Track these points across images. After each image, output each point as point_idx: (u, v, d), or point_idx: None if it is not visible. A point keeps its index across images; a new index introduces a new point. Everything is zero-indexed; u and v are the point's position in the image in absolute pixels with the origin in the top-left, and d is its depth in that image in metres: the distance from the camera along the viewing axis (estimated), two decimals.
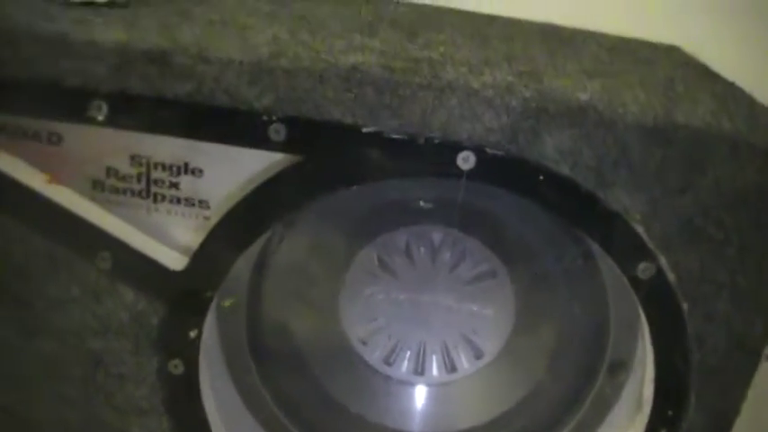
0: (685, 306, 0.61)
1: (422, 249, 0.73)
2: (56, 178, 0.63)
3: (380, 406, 0.77)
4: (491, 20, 0.84)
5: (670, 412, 0.64)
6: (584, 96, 0.58)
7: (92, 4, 0.67)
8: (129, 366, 0.66)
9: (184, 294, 0.63)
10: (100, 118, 0.59)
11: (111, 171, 0.62)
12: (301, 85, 0.57)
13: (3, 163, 0.62)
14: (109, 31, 0.60)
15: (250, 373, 0.75)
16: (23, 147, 0.62)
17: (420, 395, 0.78)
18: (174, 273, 0.63)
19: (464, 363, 0.76)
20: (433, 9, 0.87)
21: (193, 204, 0.63)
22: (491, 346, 0.75)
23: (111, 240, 0.63)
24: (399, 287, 0.74)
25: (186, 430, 0.67)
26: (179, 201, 0.63)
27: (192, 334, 0.64)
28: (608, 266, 0.69)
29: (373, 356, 0.76)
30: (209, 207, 0.63)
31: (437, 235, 0.72)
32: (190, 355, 0.65)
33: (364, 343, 0.76)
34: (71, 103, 0.59)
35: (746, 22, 0.89)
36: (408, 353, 0.76)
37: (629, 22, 0.85)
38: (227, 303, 0.71)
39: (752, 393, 0.64)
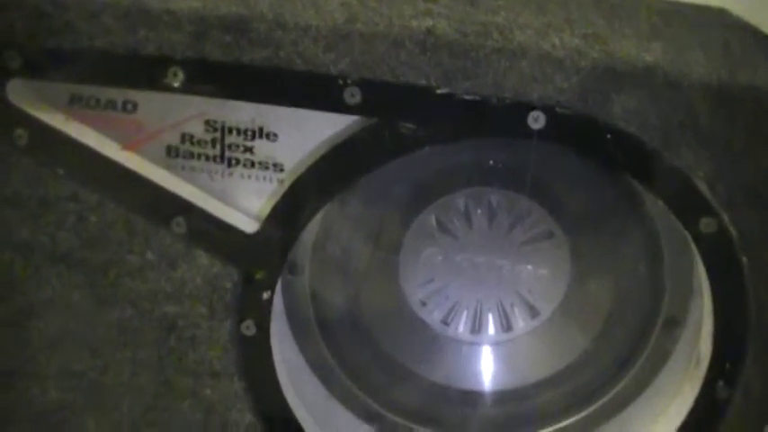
0: (746, 261, 0.63)
1: (479, 211, 0.74)
2: (130, 145, 0.64)
3: (441, 365, 0.79)
4: None
5: (728, 365, 0.66)
6: (649, 57, 0.60)
7: None
8: (202, 329, 0.67)
9: (258, 256, 0.65)
10: (176, 85, 0.61)
11: (185, 137, 0.64)
12: (377, 49, 0.59)
13: (78, 132, 0.64)
14: None
15: (314, 337, 0.76)
16: (98, 115, 0.64)
17: (480, 354, 0.79)
18: (248, 235, 0.65)
19: (520, 321, 0.78)
20: None
21: (267, 168, 0.64)
22: (547, 304, 0.77)
23: (185, 205, 0.64)
24: (457, 248, 0.75)
25: (258, 391, 0.69)
26: (253, 165, 0.64)
27: (265, 295, 0.66)
28: (664, 226, 0.71)
29: (432, 317, 0.78)
30: (283, 170, 0.64)
31: (495, 197, 0.74)
32: (262, 316, 0.66)
33: (423, 304, 0.77)
34: (147, 71, 0.61)
35: None
36: (465, 312, 0.78)
37: None
38: None
39: None
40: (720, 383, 0.66)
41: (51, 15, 0.60)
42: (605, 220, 0.73)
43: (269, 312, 0.66)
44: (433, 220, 0.75)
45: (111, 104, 0.64)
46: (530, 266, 0.76)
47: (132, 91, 0.63)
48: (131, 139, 0.64)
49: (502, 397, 0.79)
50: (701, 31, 0.72)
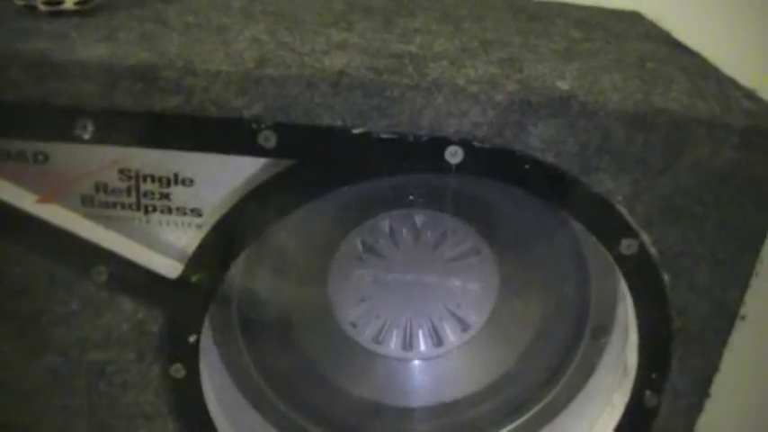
0: (667, 278, 0.64)
1: (404, 231, 0.75)
2: (45, 197, 0.63)
3: (375, 384, 0.80)
4: None
5: (654, 375, 0.67)
6: (564, 85, 0.60)
7: (61, 13, 0.66)
8: (132, 374, 0.67)
9: (182, 301, 0.64)
10: (86, 136, 0.59)
11: (99, 186, 0.62)
12: (290, 92, 0.58)
13: None
14: (91, 47, 0.59)
15: (248, 367, 0.76)
16: (9, 168, 0.62)
17: (412, 370, 0.80)
18: (170, 280, 0.64)
19: (450, 336, 0.78)
20: None
21: (185, 213, 0.63)
22: (476, 318, 0.78)
23: (104, 253, 0.63)
24: (385, 268, 0.76)
25: (192, 430, 0.69)
26: (170, 210, 0.63)
27: (192, 339, 0.65)
28: (588, 240, 0.71)
29: (363, 337, 0.78)
30: (201, 215, 0.63)
31: (419, 217, 0.74)
32: (190, 358, 0.66)
33: (354, 325, 0.78)
34: (57, 123, 0.59)
35: None
36: (396, 330, 0.78)
37: None
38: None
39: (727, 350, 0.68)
40: (648, 392, 0.68)
41: None
42: (531, 234, 0.74)
43: (197, 354, 0.66)
44: (359, 244, 0.75)
45: (21, 156, 0.62)
46: (458, 282, 0.77)
47: (43, 142, 0.61)
48: (45, 191, 0.62)
49: (435, 411, 0.80)
50: (616, 46, 0.72)
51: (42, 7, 0.66)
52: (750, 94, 0.64)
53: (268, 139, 0.59)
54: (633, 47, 0.73)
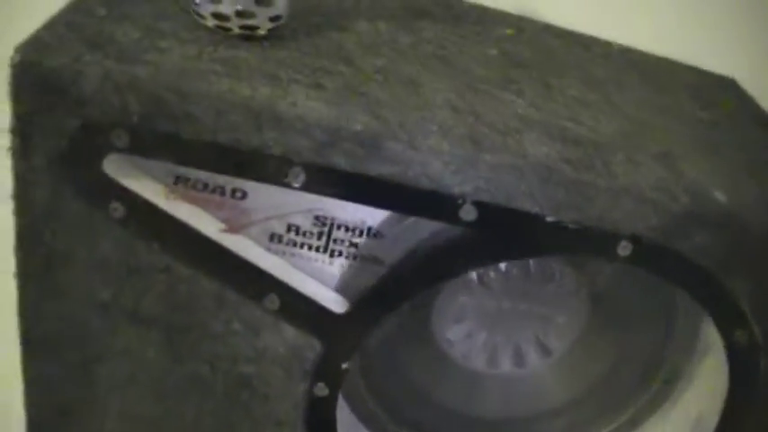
0: (764, 364, 0.73)
1: (515, 271, 0.81)
2: (233, 228, 0.65)
3: (470, 399, 0.87)
4: (585, 47, 0.89)
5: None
6: (721, 197, 0.67)
7: (252, 37, 0.67)
8: (275, 388, 0.71)
9: (343, 333, 0.69)
10: (296, 185, 0.62)
11: (292, 227, 0.65)
12: (502, 177, 0.62)
13: (177, 209, 0.64)
14: (311, 102, 0.61)
15: (359, 388, 0.82)
16: (204, 198, 0.64)
17: (497, 385, 0.88)
18: (337, 315, 0.68)
19: (533, 359, 0.86)
20: (531, 29, 0.91)
21: (367, 261, 0.67)
22: (559, 346, 0.86)
23: (281, 285, 0.67)
24: (488, 296, 0.82)
25: None
26: (355, 257, 0.67)
27: (345, 366, 0.70)
28: (684, 310, 0.80)
29: (457, 353, 0.85)
30: (383, 264, 0.67)
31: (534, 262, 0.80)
32: (336, 381, 0.71)
33: (450, 342, 0.84)
34: (270, 168, 0.61)
35: None
36: (488, 350, 0.85)
37: (684, 47, 0.93)
38: None
39: None
40: None
41: (169, 103, 0.59)
42: (632, 295, 0.81)
43: (343, 379, 0.71)
44: (474, 276, 0.80)
45: (219, 190, 0.64)
46: (548, 312, 0.84)
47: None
48: (235, 224, 0.65)
49: (512, 424, 0.89)
50: (739, 135, 0.79)
51: (237, 30, 0.66)
52: None
53: (469, 213, 0.63)
54: (751, 138, 0.80)
